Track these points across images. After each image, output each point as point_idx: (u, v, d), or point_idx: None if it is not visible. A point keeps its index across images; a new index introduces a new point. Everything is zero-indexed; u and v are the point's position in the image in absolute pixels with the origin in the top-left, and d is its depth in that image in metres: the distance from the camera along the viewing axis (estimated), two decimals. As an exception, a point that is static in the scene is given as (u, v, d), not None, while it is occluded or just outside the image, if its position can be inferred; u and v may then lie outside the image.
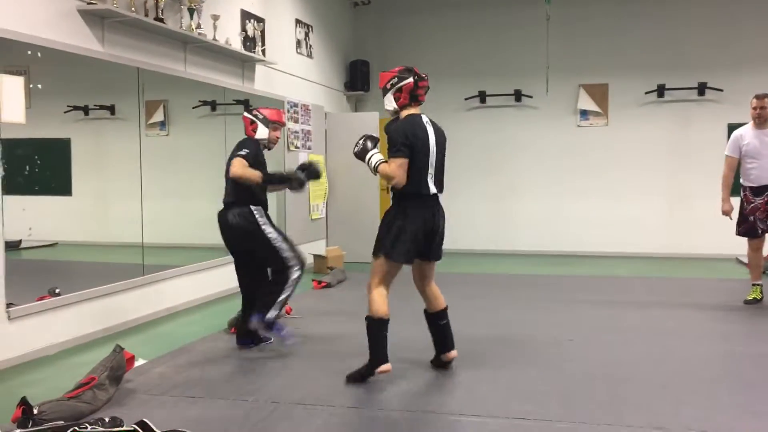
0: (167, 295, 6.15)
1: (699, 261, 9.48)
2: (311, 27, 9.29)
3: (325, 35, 9.81)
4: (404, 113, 4.07)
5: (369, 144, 4.12)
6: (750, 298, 6.45)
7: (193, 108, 6.98)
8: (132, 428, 3.07)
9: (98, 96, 5.66)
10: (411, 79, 4.04)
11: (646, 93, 9.97)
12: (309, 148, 8.93)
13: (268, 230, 4.80)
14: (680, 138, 9.97)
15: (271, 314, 4.68)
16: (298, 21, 8.89)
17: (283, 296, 4.75)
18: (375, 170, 4.03)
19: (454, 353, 4.30)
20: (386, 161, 3.99)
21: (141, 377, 4.15)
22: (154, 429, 3.07)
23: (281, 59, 8.24)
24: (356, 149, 4.15)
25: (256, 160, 4.70)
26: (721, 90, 9.69)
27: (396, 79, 4.06)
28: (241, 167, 4.55)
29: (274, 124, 5.00)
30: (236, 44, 7.16)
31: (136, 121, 5.85)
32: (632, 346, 4.89)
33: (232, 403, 3.71)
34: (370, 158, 4.06)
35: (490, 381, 4.08)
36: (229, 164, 4.70)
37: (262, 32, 7.78)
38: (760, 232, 6.36)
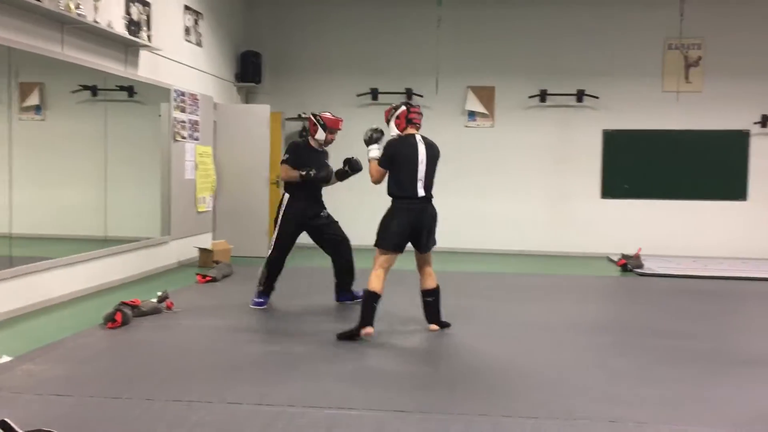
0: (39, 288, 5.81)
1: (574, 259, 9.97)
2: (201, 14, 9.03)
3: (216, 24, 9.57)
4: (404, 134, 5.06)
5: (374, 136, 5.22)
6: None
7: (73, 92, 6.63)
8: (-10, 429, 2.88)
9: (-37, 75, 5.27)
10: (404, 108, 5.09)
11: (530, 97, 10.37)
12: (196, 139, 8.68)
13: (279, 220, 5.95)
14: (560, 142, 10.44)
15: None
16: (187, 7, 8.62)
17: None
18: (368, 160, 5.17)
19: (434, 327, 5.20)
20: (377, 160, 5.07)
21: (4, 375, 3.90)
22: (16, 429, 2.89)
23: (168, 46, 7.96)
24: (365, 137, 5.24)
25: (298, 161, 5.84)
26: (597, 97, 10.22)
27: (393, 110, 5.13)
28: (283, 172, 5.92)
29: (331, 129, 5.96)
30: (119, 27, 6.85)
31: (5, 104, 5.47)
32: (506, 339, 5.08)
33: (104, 401, 3.55)
34: (369, 150, 5.17)
35: (372, 374, 4.12)
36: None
37: (148, 17, 7.49)
38: None
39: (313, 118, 6.01)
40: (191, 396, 3.64)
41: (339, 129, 6.05)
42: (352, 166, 5.94)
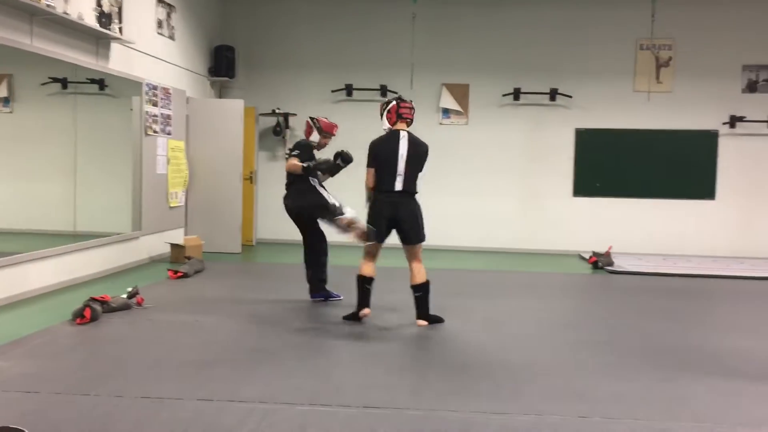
0: (6, 284, 5.71)
1: (546, 256, 10.06)
2: (174, 7, 8.93)
3: (189, 17, 9.47)
4: (397, 127, 5.35)
5: (338, 160, 5.88)
6: None
7: (42, 85, 6.53)
8: (-46, 427, 2.83)
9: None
10: (394, 103, 5.39)
11: (504, 95, 10.43)
12: (169, 134, 8.60)
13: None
14: (533, 140, 10.52)
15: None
16: (159, 0, 8.52)
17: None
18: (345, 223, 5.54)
19: (422, 322, 5.33)
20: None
21: (-31, 372, 3.84)
22: (-19, 427, 2.85)
23: (140, 39, 7.87)
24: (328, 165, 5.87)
25: (304, 157, 5.92)
26: (570, 96, 10.31)
27: (386, 105, 5.41)
28: (289, 165, 5.91)
29: (326, 134, 6.18)
30: (90, 19, 6.75)
31: (-28, 95, 5.38)
32: (475, 337, 5.12)
33: (72, 398, 3.51)
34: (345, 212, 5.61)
35: (345, 370, 4.12)
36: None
37: (120, 8, 7.39)
38: None
39: (310, 120, 6.21)
40: (161, 393, 3.61)
41: (333, 135, 6.24)
42: (344, 159, 5.96)
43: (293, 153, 6.01)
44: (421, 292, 5.34)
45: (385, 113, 5.39)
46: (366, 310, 5.36)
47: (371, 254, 5.38)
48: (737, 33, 10.13)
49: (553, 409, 3.54)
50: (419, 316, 5.37)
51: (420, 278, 5.32)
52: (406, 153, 5.26)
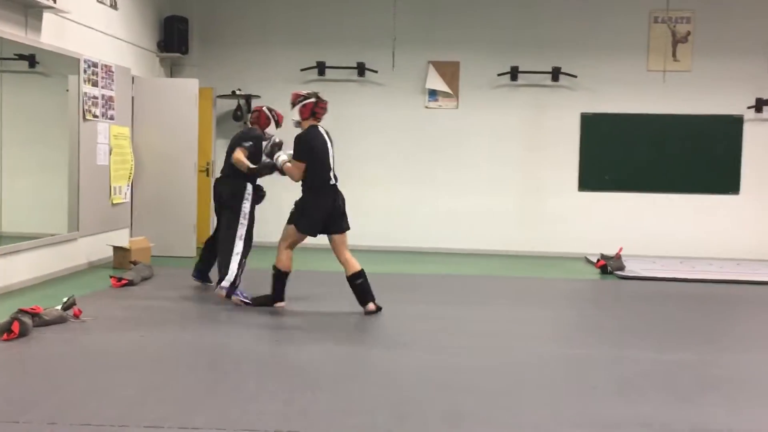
0: None
1: (548, 259, 10.12)
2: (117, -28, 8.87)
3: (135, -17, 9.42)
4: (305, 124, 6.14)
5: (275, 149, 6.68)
6: None
7: (-40, 61, 6.46)
8: None
9: None
10: (313, 100, 6.13)
11: (499, 75, 10.46)
12: (111, 118, 8.53)
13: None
14: (533, 126, 10.56)
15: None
16: (100, -37, 8.46)
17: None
18: (281, 169, 6.36)
19: (371, 306, 6.10)
20: (290, 162, 6.21)
21: None
22: None
23: (77, 8, 7.79)
24: (266, 150, 6.69)
25: (256, 151, 6.68)
26: (575, 76, 10.37)
27: (303, 98, 6.14)
28: (237, 157, 6.56)
29: (278, 129, 7.02)
30: (18, -15, 6.69)
31: None
32: (474, 351, 5.13)
33: (-2, 426, 3.47)
34: (277, 157, 6.41)
35: (317, 391, 4.12)
36: (232, 149, 6.68)
37: (54, -27, 7.32)
38: None
39: (266, 111, 6.98)
40: (102, 419, 3.59)
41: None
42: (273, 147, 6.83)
43: (245, 145, 6.62)
44: (363, 278, 6.12)
45: (299, 105, 6.12)
46: (282, 303, 6.26)
47: (293, 246, 6.21)
48: (764, 4, 10.23)
49: (554, 435, 3.57)
50: (369, 301, 6.12)
51: (358, 265, 6.13)
52: (331, 148, 6.21)
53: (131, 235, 9.09)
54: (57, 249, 7.64)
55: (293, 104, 6.17)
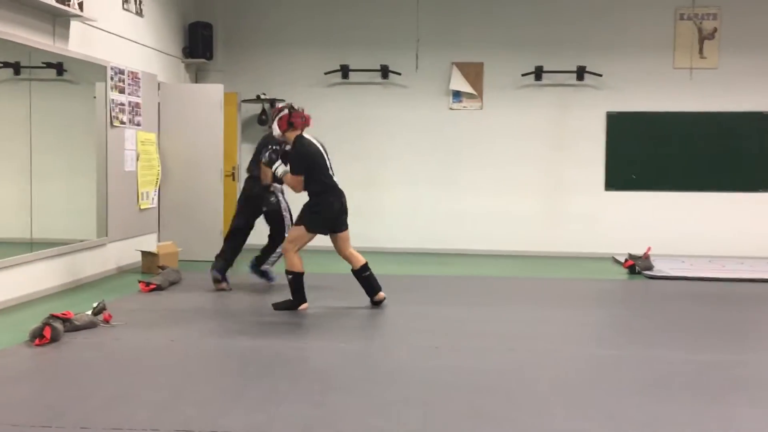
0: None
1: (574, 260, 10.06)
2: (142, -21, 8.96)
3: (160, -10, 9.50)
4: (289, 135, 6.35)
5: (273, 156, 6.56)
6: None
7: (-9, 70, 6.55)
8: None
9: None
10: (286, 111, 6.36)
11: (523, 75, 10.42)
12: (138, 125, 8.61)
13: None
14: (558, 126, 10.51)
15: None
16: (125, -29, 8.54)
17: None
18: (281, 178, 6.52)
19: (381, 294, 6.50)
20: (288, 172, 6.37)
21: None
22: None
23: (103, 16, 7.88)
24: (265, 160, 6.62)
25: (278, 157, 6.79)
26: (600, 75, 10.31)
27: (278, 112, 6.41)
28: (264, 175, 6.94)
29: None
30: (46, -6, 6.77)
31: None
32: (501, 352, 5.11)
33: (31, 431, 3.51)
34: (275, 169, 6.47)
35: (345, 393, 4.12)
36: (259, 152, 7.01)
37: (80, -18, 7.41)
38: None
39: (288, 112, 6.76)
40: (133, 423, 3.62)
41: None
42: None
43: (263, 161, 6.78)
44: (368, 270, 6.45)
45: (276, 120, 6.38)
46: (305, 305, 6.36)
47: (302, 247, 6.36)
48: (792, -1, 10.13)
49: (584, 437, 3.54)
50: (377, 292, 6.47)
51: (361, 260, 6.45)
52: (324, 151, 6.42)
53: (159, 240, 9.16)
54: (87, 254, 7.72)
55: (272, 120, 6.49)
